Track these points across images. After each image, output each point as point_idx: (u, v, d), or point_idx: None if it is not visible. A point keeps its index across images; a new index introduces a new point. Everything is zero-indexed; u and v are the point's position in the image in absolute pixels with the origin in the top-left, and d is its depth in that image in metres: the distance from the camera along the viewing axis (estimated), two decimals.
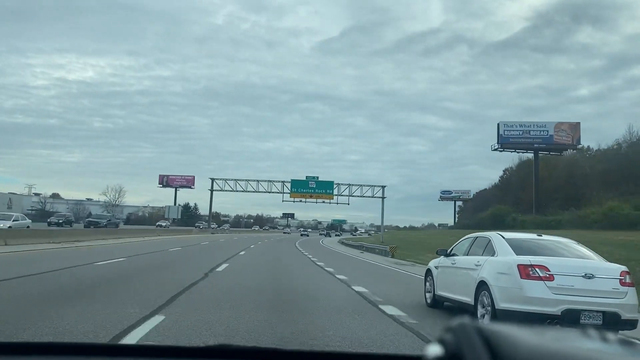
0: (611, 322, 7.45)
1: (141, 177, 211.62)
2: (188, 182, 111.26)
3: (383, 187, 79.82)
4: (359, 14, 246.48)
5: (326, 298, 10.85)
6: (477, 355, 0.70)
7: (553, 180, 74.50)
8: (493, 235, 9.38)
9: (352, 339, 6.63)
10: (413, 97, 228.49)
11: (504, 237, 9.00)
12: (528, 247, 8.59)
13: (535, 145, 74.67)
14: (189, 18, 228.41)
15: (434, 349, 0.77)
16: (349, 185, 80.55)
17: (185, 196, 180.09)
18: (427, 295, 10.99)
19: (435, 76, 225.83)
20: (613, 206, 48.55)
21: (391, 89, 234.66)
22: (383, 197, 78.90)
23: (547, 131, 73.99)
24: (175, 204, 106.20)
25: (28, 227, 32.42)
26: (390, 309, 9.45)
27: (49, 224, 47.28)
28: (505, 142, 75.88)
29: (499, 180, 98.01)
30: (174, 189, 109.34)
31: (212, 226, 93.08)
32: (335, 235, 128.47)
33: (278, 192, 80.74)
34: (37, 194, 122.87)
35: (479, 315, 8.39)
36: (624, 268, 8.15)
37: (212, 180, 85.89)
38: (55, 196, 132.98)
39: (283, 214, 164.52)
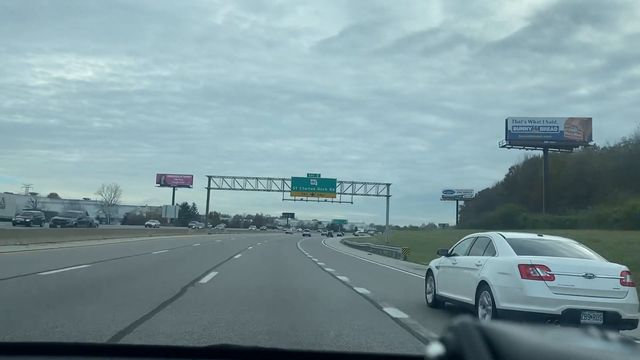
0: (612, 321, 7.45)
1: (141, 177, 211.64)
2: (186, 182, 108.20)
3: (388, 185, 76.95)
4: (358, 14, 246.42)
5: (350, 327, 7.34)
6: (478, 354, 0.71)
7: (562, 178, 71.91)
8: (494, 235, 9.42)
9: None
10: (412, 97, 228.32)
11: (504, 237, 9.03)
12: (529, 247, 8.60)
13: (545, 141, 71.20)
14: (189, 18, 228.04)
15: (435, 348, 0.77)
16: (352, 183, 77.40)
17: (184, 196, 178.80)
18: (428, 295, 11.03)
19: (434, 76, 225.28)
20: (637, 204, 45.86)
21: (391, 88, 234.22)
22: (388, 196, 75.92)
23: (557, 127, 70.69)
24: (173, 203, 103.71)
25: None
26: None
27: (14, 223, 43.27)
28: (513, 139, 72.42)
29: (505, 178, 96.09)
30: (172, 188, 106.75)
31: (205, 226, 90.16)
32: (337, 235, 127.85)
33: (278, 191, 77.72)
34: (33, 194, 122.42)
35: (479, 315, 8.39)
36: (624, 268, 8.15)
37: (209, 178, 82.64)
38: (53, 196, 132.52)
39: (283, 213, 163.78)
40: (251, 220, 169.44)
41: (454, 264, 10.10)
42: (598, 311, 7.57)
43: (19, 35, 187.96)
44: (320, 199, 75.44)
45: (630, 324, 7.71)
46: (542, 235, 9.45)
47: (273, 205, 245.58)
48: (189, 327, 6.67)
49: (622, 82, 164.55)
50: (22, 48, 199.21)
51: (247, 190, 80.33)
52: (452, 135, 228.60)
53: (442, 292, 10.26)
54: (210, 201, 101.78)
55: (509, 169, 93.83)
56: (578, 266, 7.93)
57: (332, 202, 76.74)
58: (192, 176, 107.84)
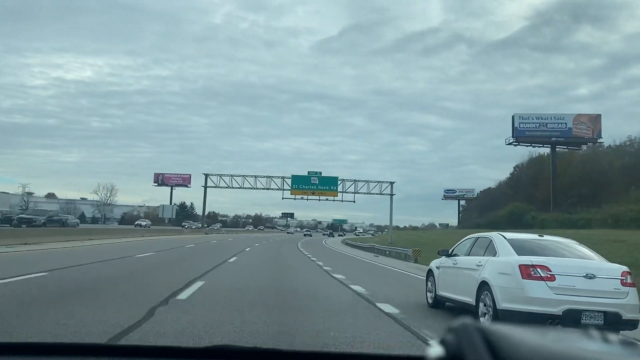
0: (612, 322, 7.43)
1: (140, 177, 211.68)
2: (184, 181, 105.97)
3: (392, 183, 73.61)
4: (358, 14, 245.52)
5: None
6: (478, 355, 0.71)
7: (568, 177, 70.02)
8: (494, 235, 9.41)
9: None
10: (412, 97, 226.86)
11: (505, 238, 9.02)
12: (529, 248, 8.60)
13: (552, 138, 68.78)
14: (188, 18, 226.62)
15: (436, 349, 0.77)
16: (355, 181, 73.74)
17: (182, 196, 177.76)
18: (429, 295, 11.00)
19: (434, 76, 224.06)
20: None
21: (390, 88, 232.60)
22: (392, 194, 72.72)
23: (566, 124, 68.28)
24: (170, 203, 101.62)
25: None
26: None
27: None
28: (520, 136, 70.03)
29: (509, 177, 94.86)
30: (170, 188, 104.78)
31: (198, 226, 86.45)
32: (339, 235, 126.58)
33: (277, 189, 74.26)
34: (29, 194, 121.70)
35: (480, 316, 8.38)
36: (625, 268, 8.14)
37: (206, 176, 79.10)
38: (50, 196, 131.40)
39: (282, 213, 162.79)
40: (250, 220, 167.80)
41: (454, 264, 10.09)
42: (599, 312, 7.56)
43: (18, 35, 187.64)
44: (322, 197, 72.32)
45: (631, 324, 7.70)
46: (542, 236, 9.46)
47: (273, 205, 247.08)
48: None
49: (622, 82, 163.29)
50: (21, 48, 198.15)
51: (245, 188, 77.24)
52: (452, 135, 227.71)
53: (442, 293, 10.26)
54: (209, 201, 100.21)
55: (514, 168, 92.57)
56: (579, 266, 7.92)
57: (334, 200, 73.60)
58: (190, 175, 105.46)
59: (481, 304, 8.48)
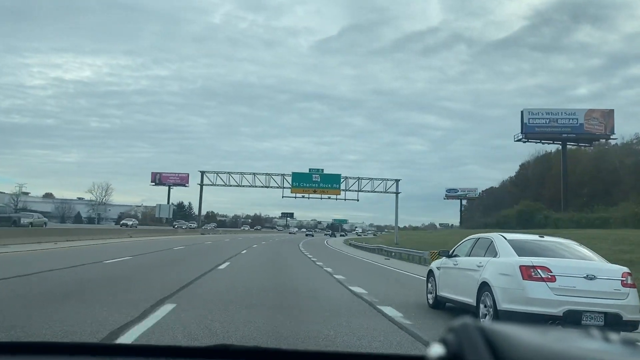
0: (613, 323, 7.39)
1: (139, 177, 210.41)
2: (182, 180, 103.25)
3: (397, 180, 70.37)
4: (357, 13, 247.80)
5: None
6: (479, 355, 0.71)
7: (577, 175, 67.66)
8: (495, 236, 9.38)
9: None
10: (412, 97, 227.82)
11: (506, 238, 9.01)
12: (530, 248, 8.60)
13: (563, 135, 65.49)
14: (187, 17, 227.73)
15: (436, 349, 0.77)
16: (358, 179, 70.35)
17: (180, 195, 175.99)
18: (429, 295, 10.98)
19: (433, 75, 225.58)
20: None
21: (390, 88, 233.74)
22: (397, 193, 69.67)
23: (577, 119, 65.06)
24: (168, 202, 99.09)
25: None
26: None
27: None
28: (530, 132, 66.57)
29: (515, 175, 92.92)
30: (167, 187, 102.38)
31: (191, 226, 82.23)
32: (340, 235, 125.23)
33: (277, 187, 71.18)
34: (25, 193, 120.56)
35: (480, 316, 8.36)
36: (625, 269, 8.15)
37: (202, 173, 75.92)
38: (48, 196, 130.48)
39: (282, 213, 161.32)
40: (249, 220, 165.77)
41: (455, 265, 10.07)
42: (599, 312, 7.55)
43: (17, 35, 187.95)
44: (324, 196, 68.88)
45: (632, 325, 7.69)
46: (543, 237, 9.48)
47: (272, 205, 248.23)
48: None
49: (621, 82, 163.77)
50: (20, 48, 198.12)
51: (243, 186, 74.13)
52: (452, 135, 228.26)
53: (443, 293, 10.24)
54: (209, 202, 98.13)
55: (520, 166, 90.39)
56: (579, 267, 7.92)
57: (337, 199, 69.91)
58: (188, 175, 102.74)
59: (482, 305, 8.48)
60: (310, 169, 69.74)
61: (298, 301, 10.31)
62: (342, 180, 69.53)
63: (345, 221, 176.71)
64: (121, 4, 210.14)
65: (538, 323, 7.08)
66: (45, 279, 11.79)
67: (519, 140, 68.55)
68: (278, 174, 72.52)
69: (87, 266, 15.50)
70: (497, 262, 8.51)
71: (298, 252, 35.43)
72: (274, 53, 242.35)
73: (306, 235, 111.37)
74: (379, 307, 10.00)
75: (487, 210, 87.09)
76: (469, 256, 9.72)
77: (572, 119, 65.92)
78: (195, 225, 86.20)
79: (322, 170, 69.49)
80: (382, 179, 71.39)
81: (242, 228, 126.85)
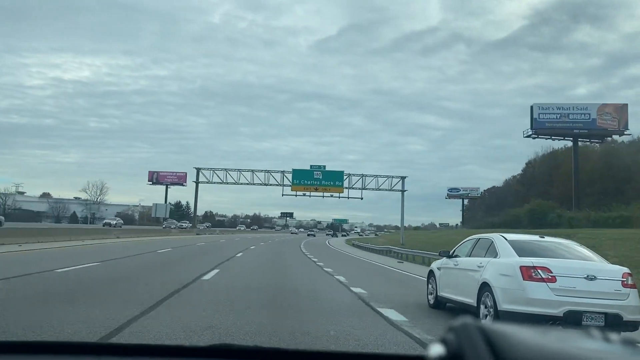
0: (613, 323, 7.41)
1: (138, 177, 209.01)
2: (180, 179, 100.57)
3: (403, 177, 67.10)
4: (356, 13, 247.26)
5: None
6: (479, 355, 0.71)
7: (587, 173, 65.41)
8: (495, 236, 9.39)
9: None
10: (411, 97, 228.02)
11: (506, 239, 9.02)
12: (530, 249, 8.61)
13: (575, 130, 62.56)
14: (186, 17, 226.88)
15: (436, 349, 0.77)
16: (362, 176, 67.14)
17: (179, 195, 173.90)
18: (430, 296, 10.99)
19: (433, 75, 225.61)
20: None
21: (389, 88, 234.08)
22: (403, 190, 66.47)
23: (589, 114, 62.34)
24: (165, 201, 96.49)
25: None
26: None
27: None
28: (540, 128, 63.80)
29: (521, 174, 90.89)
30: (165, 186, 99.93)
31: (182, 226, 78.34)
32: (342, 235, 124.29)
33: (277, 185, 68.14)
34: (20, 193, 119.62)
35: (481, 317, 8.36)
36: (626, 270, 8.16)
37: (198, 170, 72.69)
38: (45, 195, 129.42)
39: (281, 213, 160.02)
40: (248, 220, 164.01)
41: (455, 265, 10.06)
42: (599, 313, 7.53)
43: (16, 35, 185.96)
44: (326, 194, 65.63)
45: (632, 325, 7.67)
46: (543, 237, 9.49)
47: (272, 205, 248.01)
48: None
49: (621, 81, 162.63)
50: (19, 47, 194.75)
51: (241, 184, 70.99)
52: (451, 135, 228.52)
53: (443, 293, 10.25)
54: (208, 202, 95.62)
55: (526, 164, 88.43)
56: (580, 268, 7.91)
57: (339, 197, 66.36)
58: (186, 174, 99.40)
59: (482, 305, 8.47)
60: (311, 166, 66.52)
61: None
62: (344, 177, 66.37)
63: (345, 221, 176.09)
64: (120, 4, 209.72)
65: (538, 323, 7.13)
66: None
67: (529, 136, 65.86)
68: (277, 171, 69.35)
69: (31, 277, 12.02)
70: (498, 263, 8.53)
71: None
72: (273, 53, 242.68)
73: (308, 235, 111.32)
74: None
75: (490, 210, 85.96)
76: (470, 256, 9.73)
77: (584, 114, 63.26)
78: (187, 224, 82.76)
79: (324, 167, 66.23)
80: (387, 176, 68.23)
81: (237, 228, 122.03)
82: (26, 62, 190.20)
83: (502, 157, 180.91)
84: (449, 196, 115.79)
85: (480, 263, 8.95)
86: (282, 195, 68.41)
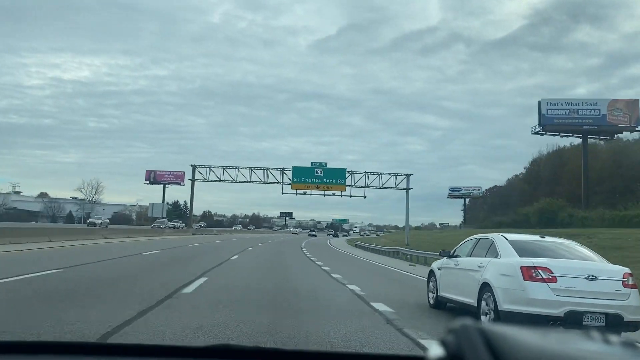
0: (614, 324, 7.40)
1: (138, 177, 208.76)
2: (177, 179, 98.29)
3: (407, 175, 64.40)
4: (356, 13, 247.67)
5: None
6: (478, 357, 0.71)
7: (595, 171, 63.51)
8: (496, 236, 9.35)
9: None
10: (410, 96, 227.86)
11: (507, 239, 8.98)
12: (531, 249, 8.59)
13: (584, 127, 60.38)
14: (185, 17, 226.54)
15: (436, 350, 0.78)
16: (365, 173, 64.22)
17: (177, 194, 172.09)
18: (430, 296, 10.99)
19: (432, 75, 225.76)
20: None
21: (388, 87, 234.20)
22: (408, 188, 63.76)
23: (599, 110, 60.04)
24: (163, 201, 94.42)
25: None
26: None
27: None
28: (548, 124, 61.43)
29: (526, 172, 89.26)
30: (162, 185, 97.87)
31: (175, 225, 75.16)
32: (343, 235, 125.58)
33: (276, 183, 66.12)
34: (16, 192, 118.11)
35: (482, 317, 8.38)
36: (626, 270, 8.10)
37: (194, 167, 70.40)
38: (42, 195, 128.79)
39: (281, 213, 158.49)
40: (247, 220, 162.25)
41: (456, 265, 10.04)
42: (600, 313, 7.51)
43: (15, 34, 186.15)
44: (327, 192, 62.98)
45: (633, 326, 7.67)
46: (544, 237, 9.43)
47: (271, 205, 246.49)
48: None
49: (620, 81, 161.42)
50: (18, 47, 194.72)
51: (239, 182, 68.89)
52: (450, 134, 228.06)
53: (444, 294, 10.23)
54: (207, 201, 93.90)
55: (530, 162, 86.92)
56: (580, 268, 7.88)
57: (342, 196, 63.48)
58: (184, 173, 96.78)
59: (483, 305, 8.44)
60: (312, 163, 63.74)
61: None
62: (347, 175, 63.64)
63: (345, 221, 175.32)
64: (120, 4, 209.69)
65: (539, 324, 7.27)
66: None
67: (536, 132, 63.61)
68: (277, 169, 67.17)
69: None
70: (498, 263, 8.51)
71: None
72: (273, 52, 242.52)
73: (309, 235, 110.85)
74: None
75: (493, 209, 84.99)
76: (470, 256, 9.71)
77: (594, 109, 61.11)
78: (180, 224, 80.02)
79: (326, 164, 63.32)
80: (392, 174, 65.51)
81: (233, 228, 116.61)
82: (25, 62, 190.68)
83: (502, 157, 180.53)
84: (451, 196, 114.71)
85: (481, 263, 8.94)
86: (282, 193, 66.20)
